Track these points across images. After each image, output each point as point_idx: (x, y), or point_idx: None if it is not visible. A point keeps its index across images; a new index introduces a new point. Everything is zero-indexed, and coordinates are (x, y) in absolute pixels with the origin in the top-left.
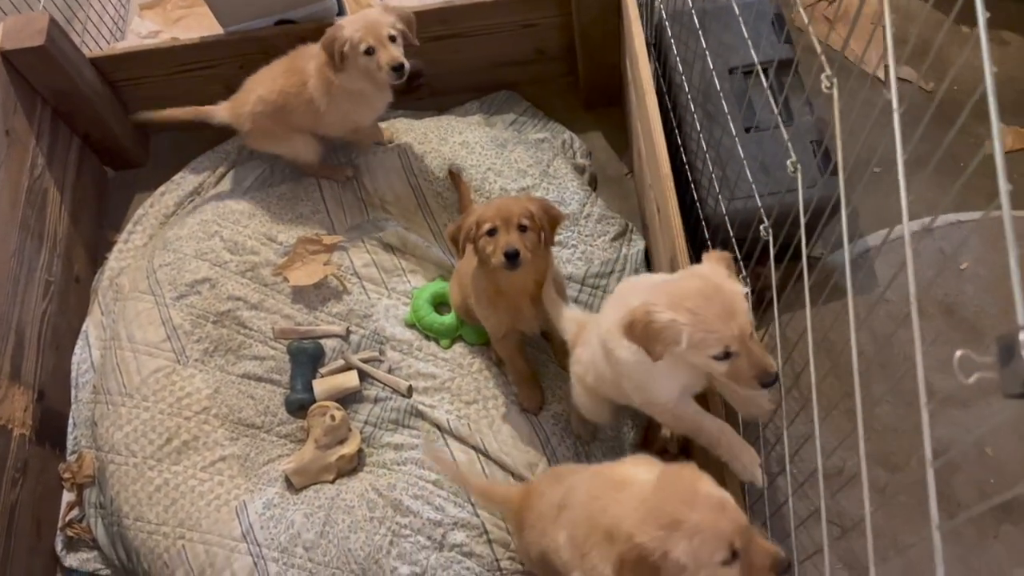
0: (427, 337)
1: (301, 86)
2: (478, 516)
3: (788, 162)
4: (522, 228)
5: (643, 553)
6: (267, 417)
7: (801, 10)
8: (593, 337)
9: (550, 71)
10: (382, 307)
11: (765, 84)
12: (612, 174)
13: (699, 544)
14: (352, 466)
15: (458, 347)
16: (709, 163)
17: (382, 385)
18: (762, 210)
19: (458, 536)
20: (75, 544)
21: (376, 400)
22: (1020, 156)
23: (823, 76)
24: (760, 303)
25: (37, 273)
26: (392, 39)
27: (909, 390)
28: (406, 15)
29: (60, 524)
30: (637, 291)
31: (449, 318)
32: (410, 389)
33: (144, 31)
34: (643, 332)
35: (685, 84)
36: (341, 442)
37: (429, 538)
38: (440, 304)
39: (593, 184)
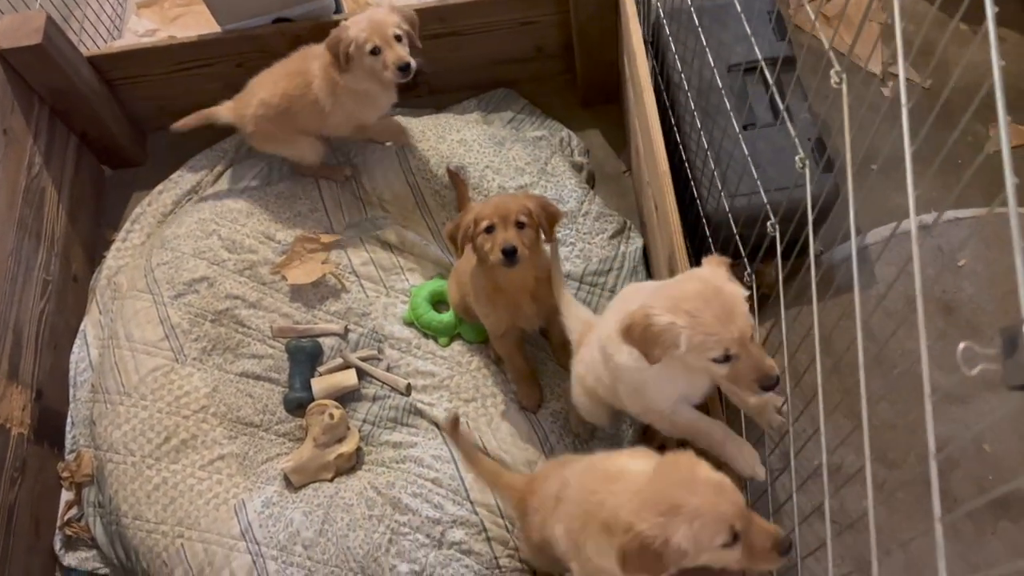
0: (425, 335)
1: (305, 88)
2: (476, 514)
3: (796, 158)
4: (520, 225)
5: (644, 541)
6: (265, 416)
7: (808, 7)
8: (594, 340)
9: (548, 69)
10: (380, 305)
11: (770, 81)
12: (610, 172)
13: (699, 528)
14: (351, 464)
15: (456, 345)
16: (711, 161)
17: (380, 383)
18: (768, 207)
19: (457, 534)
20: (74, 543)
21: (375, 398)
22: (1018, 153)
23: (832, 72)
24: (760, 302)
25: (35, 272)
26: (398, 39)
27: (906, 387)
28: (410, 15)
29: (59, 523)
30: (636, 296)
31: (447, 316)
32: (409, 387)
33: (141, 29)
34: (641, 335)
35: (684, 82)
36: (340, 440)
37: (428, 536)
38: (438, 302)
39: (591, 182)
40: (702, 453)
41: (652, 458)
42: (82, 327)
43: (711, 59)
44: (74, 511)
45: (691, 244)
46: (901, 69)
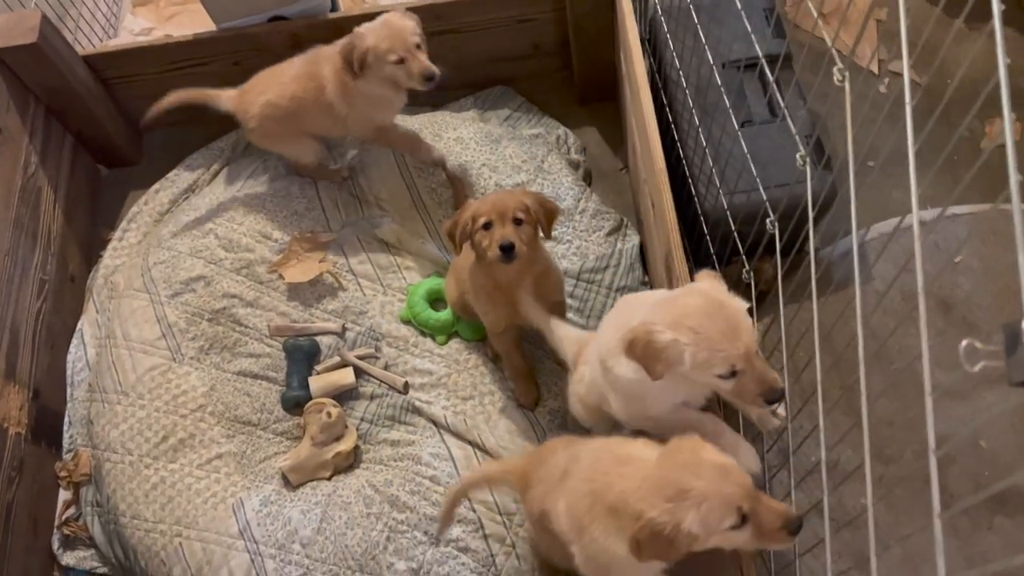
0: (423, 333)
1: (318, 92)
2: (474, 511)
3: (797, 156)
4: (517, 221)
5: (656, 528)
6: (263, 414)
7: (810, 5)
8: (592, 354)
9: (545, 66)
10: (378, 304)
11: (771, 78)
12: (606, 169)
13: (707, 511)
14: (349, 463)
15: (454, 343)
16: (709, 158)
17: (378, 382)
18: (768, 204)
19: (454, 531)
20: (72, 542)
21: (372, 397)
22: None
23: (835, 70)
24: (758, 299)
25: (31, 272)
26: (418, 46)
27: (904, 383)
28: (415, 19)
29: (57, 522)
30: (637, 309)
31: (445, 314)
32: (406, 385)
33: (137, 28)
34: (643, 351)
35: (683, 79)
36: (337, 439)
37: (425, 533)
38: (436, 300)
39: (588, 179)
40: None
41: (658, 447)
42: (79, 326)
43: (709, 56)
44: (72, 510)
45: (688, 242)
46: (906, 68)
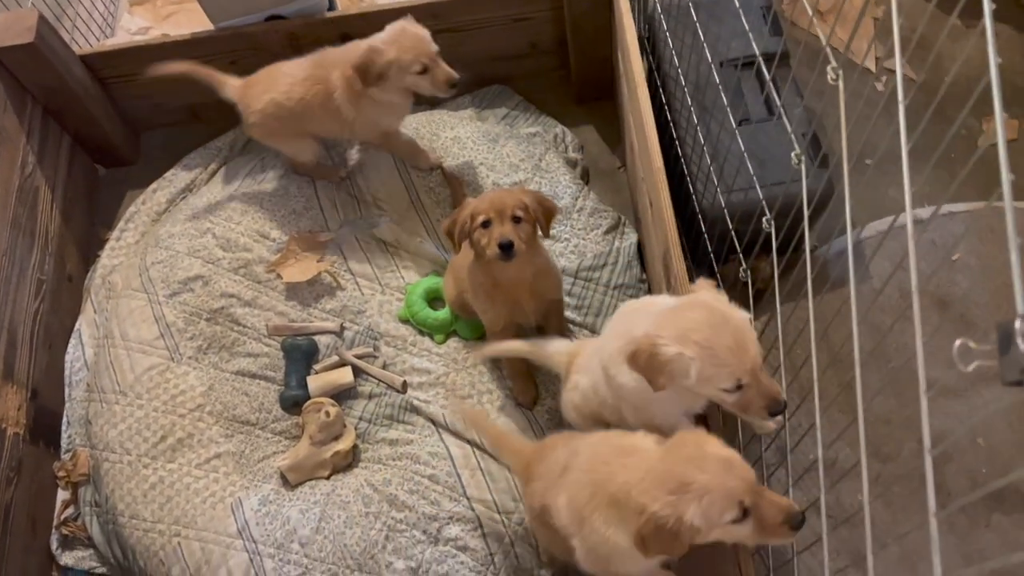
0: (421, 332)
1: (325, 96)
2: (473, 510)
3: (793, 154)
4: (516, 219)
5: (659, 522)
6: (262, 414)
7: (806, 3)
8: (595, 361)
9: (542, 65)
10: (376, 303)
11: (768, 77)
12: (604, 168)
13: (708, 504)
14: (347, 462)
15: (452, 342)
16: (707, 156)
17: (376, 381)
18: (764, 202)
19: (453, 530)
20: (70, 542)
21: (371, 396)
22: (1013, 147)
23: (829, 68)
24: (755, 297)
25: (29, 272)
26: (438, 53)
27: (899, 381)
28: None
29: (55, 522)
30: (638, 318)
31: (443, 313)
32: (405, 385)
33: (134, 27)
34: (647, 364)
35: (681, 78)
36: (336, 438)
37: (424, 532)
38: (434, 299)
39: (585, 178)
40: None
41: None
42: (77, 326)
43: (708, 55)
44: (70, 510)
45: (686, 240)
46: (898, 66)
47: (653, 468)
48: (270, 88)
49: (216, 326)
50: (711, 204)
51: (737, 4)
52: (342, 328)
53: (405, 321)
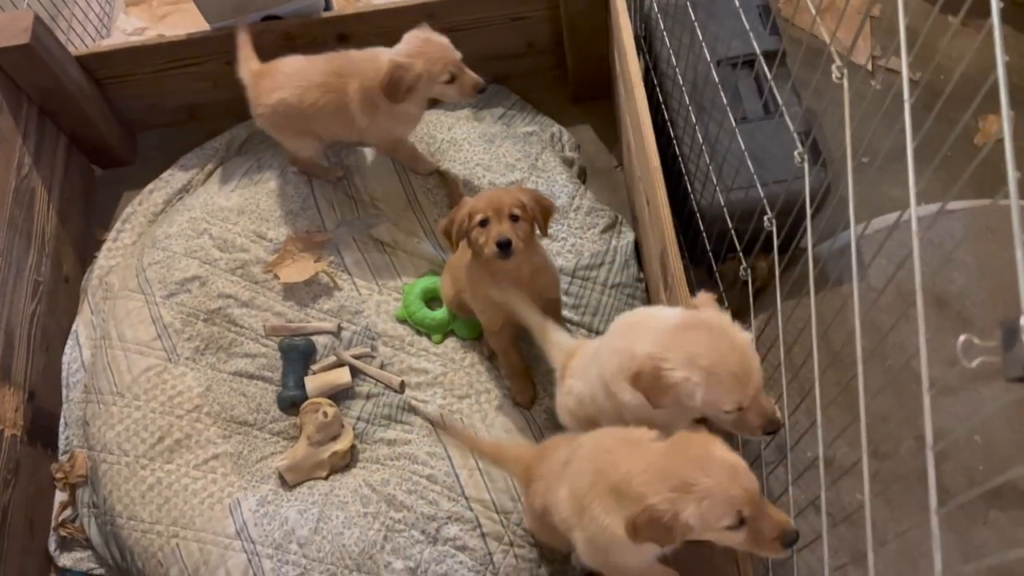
0: (419, 332)
1: (339, 104)
2: (471, 510)
3: (796, 153)
4: (514, 218)
5: (655, 515)
6: (259, 414)
7: (810, 3)
8: (592, 371)
9: (539, 64)
10: (373, 303)
11: (769, 76)
12: (601, 167)
13: (707, 508)
14: (345, 462)
15: (450, 342)
16: (706, 155)
17: (374, 381)
18: (765, 201)
19: (452, 530)
20: (69, 544)
21: (368, 396)
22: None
23: (833, 67)
24: (754, 296)
25: (26, 273)
26: (462, 60)
27: (898, 379)
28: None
29: (53, 524)
30: (640, 333)
31: (441, 313)
32: (402, 384)
33: (130, 28)
34: (651, 385)
35: (679, 77)
36: (334, 438)
37: (423, 532)
38: (431, 299)
39: (582, 177)
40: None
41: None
42: (74, 328)
43: (707, 54)
44: (68, 512)
45: (684, 239)
46: (904, 66)
47: (657, 462)
48: (283, 85)
49: (213, 327)
50: (709, 203)
51: (737, 3)
52: (339, 328)
53: (403, 321)
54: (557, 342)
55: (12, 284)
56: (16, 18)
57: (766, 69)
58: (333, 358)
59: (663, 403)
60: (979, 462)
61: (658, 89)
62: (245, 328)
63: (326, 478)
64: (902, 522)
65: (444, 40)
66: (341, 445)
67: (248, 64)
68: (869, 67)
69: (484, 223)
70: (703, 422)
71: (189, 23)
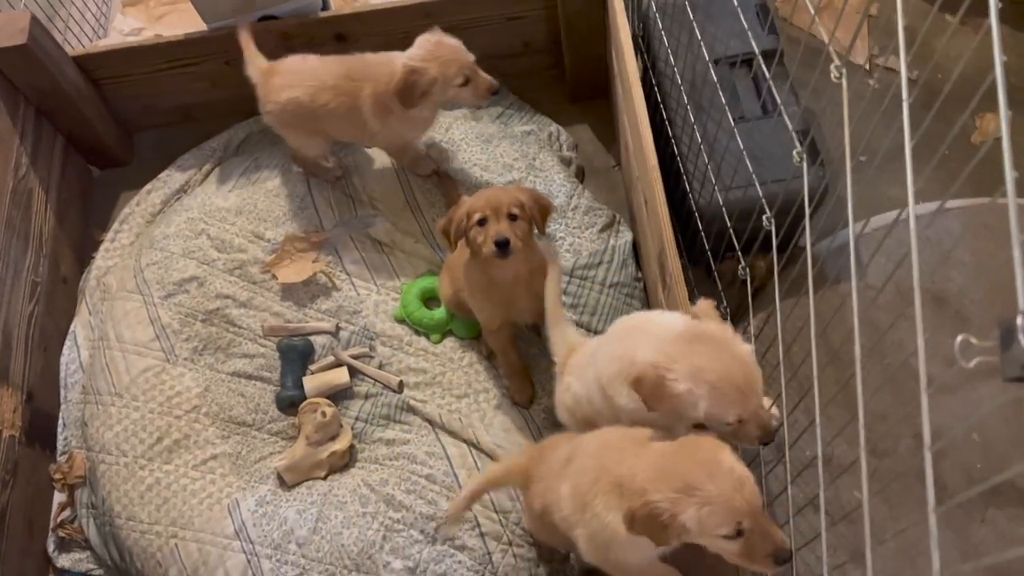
0: (417, 332)
1: (351, 107)
2: (470, 509)
3: (795, 152)
4: (512, 217)
5: (654, 511)
6: (258, 415)
7: (808, 2)
8: (589, 373)
9: (536, 64)
10: (371, 303)
11: (768, 75)
12: (599, 166)
13: (707, 514)
14: (344, 462)
15: (448, 341)
16: (704, 155)
17: (373, 381)
18: (764, 200)
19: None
20: (67, 545)
21: (367, 396)
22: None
23: (832, 66)
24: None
25: (23, 274)
26: (475, 62)
27: (896, 378)
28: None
29: (52, 525)
30: (641, 340)
31: (439, 313)
32: (401, 384)
33: (127, 28)
34: (653, 392)
35: (677, 76)
36: (332, 438)
37: (422, 532)
38: (429, 299)
39: (580, 176)
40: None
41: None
42: (72, 328)
43: (705, 53)
44: (67, 512)
45: (682, 238)
46: (903, 65)
47: (663, 461)
48: (295, 84)
49: (211, 327)
50: (708, 202)
51: (735, 2)
52: (338, 328)
53: (401, 321)
54: (563, 335)
55: (10, 285)
56: (13, 18)
57: (764, 68)
58: (331, 358)
59: (660, 409)
60: (977, 460)
61: (656, 89)
62: (243, 328)
63: (325, 478)
64: (901, 520)
65: (457, 43)
66: (340, 445)
67: (256, 62)
68: (867, 66)
69: (482, 222)
70: (700, 427)
71: (186, 23)
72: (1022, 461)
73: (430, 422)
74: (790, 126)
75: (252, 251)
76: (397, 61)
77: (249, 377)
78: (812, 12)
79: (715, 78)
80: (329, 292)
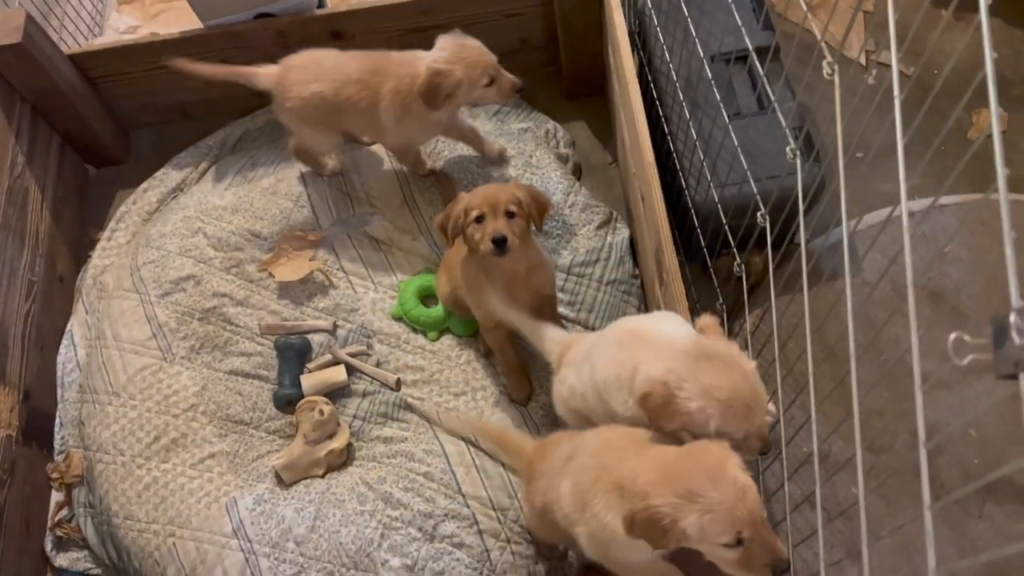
0: (414, 330)
1: (371, 103)
2: (468, 507)
3: (788, 149)
4: (510, 214)
5: (654, 516)
6: (255, 413)
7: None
8: (585, 371)
9: (533, 61)
10: (369, 301)
11: (762, 72)
12: (596, 163)
13: (709, 521)
14: (342, 460)
15: (446, 339)
16: (700, 151)
17: (370, 379)
18: (759, 197)
19: (448, 527)
20: (65, 544)
21: (364, 394)
22: (1005, 139)
23: (824, 63)
24: (748, 292)
25: (20, 273)
26: (498, 62)
27: (893, 374)
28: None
29: (49, 524)
30: (642, 350)
31: (436, 310)
32: (398, 382)
33: (122, 26)
34: (661, 411)
35: (673, 72)
36: (330, 437)
37: (420, 529)
38: (426, 297)
39: (577, 173)
40: None
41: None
42: (69, 327)
43: (700, 50)
44: (65, 512)
45: (679, 234)
46: (894, 62)
47: (667, 465)
48: (319, 78)
49: (208, 326)
50: (704, 199)
51: None
52: (335, 326)
53: (398, 319)
54: (551, 337)
55: (6, 284)
56: (8, 17)
57: (758, 65)
58: (329, 356)
59: (669, 427)
60: (974, 456)
61: (652, 85)
62: (240, 327)
63: (323, 476)
64: (897, 516)
65: (479, 43)
66: (337, 443)
67: (260, 73)
68: (863, 62)
69: (480, 219)
70: None
71: (182, 21)
72: (1019, 457)
73: (428, 420)
74: (783, 122)
75: (249, 249)
76: (420, 62)
77: (246, 375)
78: (804, 7)
79: (710, 74)
80: (326, 290)
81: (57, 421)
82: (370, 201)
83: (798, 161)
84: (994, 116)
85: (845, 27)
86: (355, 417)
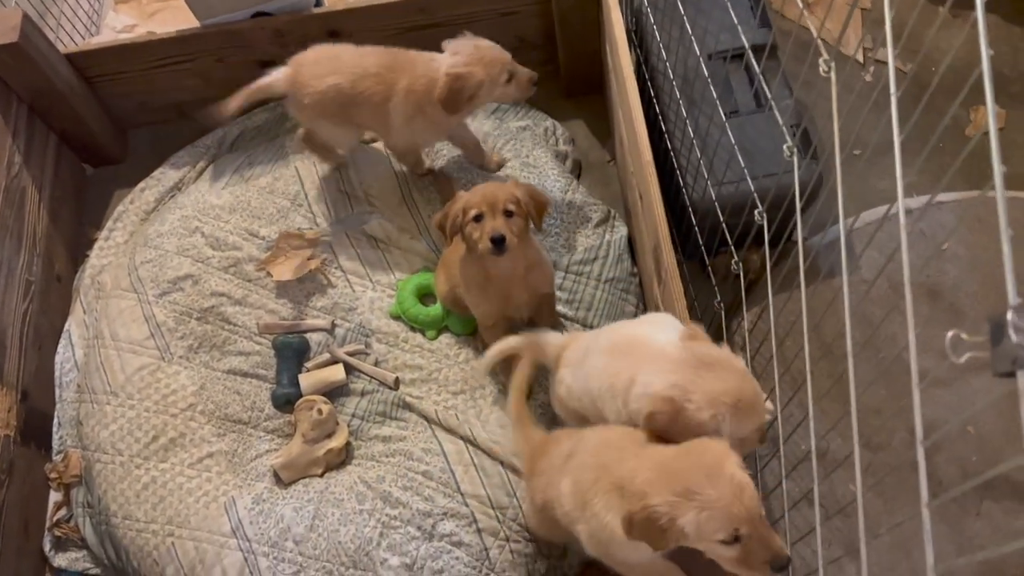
0: (413, 329)
1: (383, 98)
2: (467, 506)
3: (785, 147)
4: (508, 213)
5: (652, 515)
6: (254, 412)
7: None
8: (581, 371)
9: (530, 59)
10: (367, 300)
11: (758, 70)
12: (594, 161)
13: (707, 519)
14: (340, 459)
15: (444, 338)
16: (697, 149)
17: (369, 378)
18: (755, 195)
19: (447, 526)
20: (64, 544)
21: (363, 393)
22: (1003, 136)
23: (821, 60)
24: (746, 290)
25: (17, 273)
26: (512, 59)
27: (890, 371)
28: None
29: (48, 524)
30: (640, 359)
31: (434, 309)
32: (397, 381)
33: (119, 25)
34: (670, 426)
35: (669, 71)
36: (329, 436)
37: (419, 528)
38: (425, 295)
39: (576, 171)
40: None
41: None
42: (66, 327)
43: (696, 47)
44: (63, 512)
45: (677, 232)
46: (891, 59)
47: (665, 464)
48: (336, 71)
49: (207, 325)
50: (701, 197)
51: None
52: (333, 325)
53: (396, 317)
54: (548, 342)
55: (4, 284)
56: (4, 16)
57: (755, 63)
58: (327, 355)
59: (680, 440)
60: (972, 453)
61: (649, 83)
62: (238, 326)
63: (321, 475)
64: (896, 514)
65: (491, 43)
66: (336, 442)
67: (274, 80)
68: (860, 59)
69: (478, 218)
70: None
71: (179, 20)
72: (1017, 455)
73: (426, 419)
74: (780, 120)
75: (247, 249)
76: (436, 66)
77: (245, 375)
78: (800, 5)
79: (706, 72)
80: (324, 289)
81: (55, 421)
82: (368, 200)
83: (795, 159)
84: (991, 113)
85: (842, 24)
86: (354, 416)
